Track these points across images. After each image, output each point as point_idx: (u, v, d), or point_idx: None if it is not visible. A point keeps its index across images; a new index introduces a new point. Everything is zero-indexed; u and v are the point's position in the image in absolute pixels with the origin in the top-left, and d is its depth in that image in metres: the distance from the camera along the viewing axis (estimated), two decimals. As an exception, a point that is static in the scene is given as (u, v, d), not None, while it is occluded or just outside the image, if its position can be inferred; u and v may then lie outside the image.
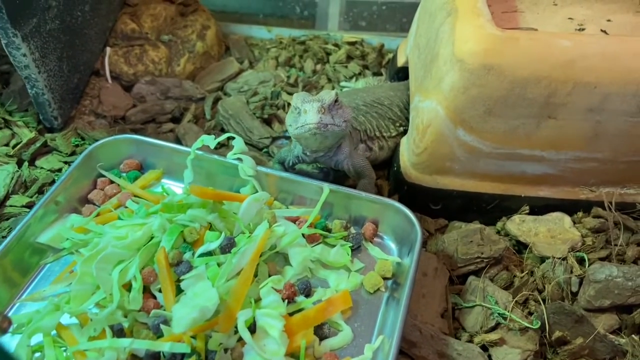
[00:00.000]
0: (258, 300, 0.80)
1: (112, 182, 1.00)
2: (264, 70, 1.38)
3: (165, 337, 0.74)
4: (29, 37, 0.98)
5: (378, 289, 0.85)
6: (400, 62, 1.26)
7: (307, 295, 0.82)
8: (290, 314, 0.78)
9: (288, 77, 1.35)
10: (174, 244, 0.82)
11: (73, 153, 1.08)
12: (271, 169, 0.97)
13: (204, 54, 1.36)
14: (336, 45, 1.45)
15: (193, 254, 0.83)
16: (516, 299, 0.85)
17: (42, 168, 1.05)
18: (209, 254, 0.83)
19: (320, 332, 0.78)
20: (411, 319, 0.81)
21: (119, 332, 0.76)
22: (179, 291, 0.80)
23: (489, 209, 0.99)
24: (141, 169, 1.04)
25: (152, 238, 0.84)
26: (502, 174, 0.94)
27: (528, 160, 0.91)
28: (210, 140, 0.94)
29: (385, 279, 0.86)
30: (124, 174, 1.02)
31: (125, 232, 0.83)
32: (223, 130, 1.19)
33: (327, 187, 0.91)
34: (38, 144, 1.07)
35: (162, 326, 0.74)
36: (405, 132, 1.10)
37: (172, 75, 1.30)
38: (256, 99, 1.25)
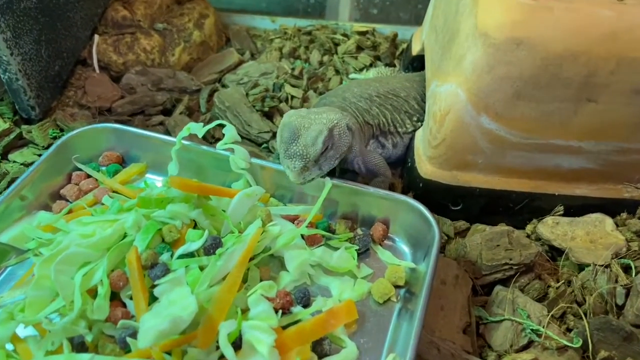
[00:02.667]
0: (246, 310, 0.68)
1: (89, 176, 0.89)
2: (267, 62, 1.27)
3: (132, 353, 0.62)
4: (-1, 13, 0.88)
5: (389, 299, 0.75)
6: (415, 50, 1.15)
7: (305, 306, 0.73)
8: (284, 327, 0.68)
9: (292, 69, 1.24)
10: (149, 244, 0.71)
11: (50, 146, 0.97)
12: (267, 162, 0.85)
13: (201, 44, 1.26)
14: (345, 35, 1.35)
15: (172, 256, 0.71)
16: (552, 312, 0.75)
17: (14, 162, 0.95)
18: (190, 255, 0.72)
19: (320, 348, 0.68)
20: (427, 334, 0.72)
21: (79, 346, 0.65)
22: (153, 299, 0.68)
23: (517, 210, 0.90)
24: (123, 162, 0.94)
25: (125, 237, 0.72)
26: (532, 168, 0.85)
27: (563, 153, 0.82)
28: (198, 128, 0.83)
29: (397, 287, 0.77)
30: (103, 168, 0.91)
31: (93, 229, 0.72)
32: (219, 125, 1.08)
33: (329, 181, 0.79)
34: (12, 136, 0.97)
35: (129, 340, 0.62)
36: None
37: (165, 66, 1.20)
38: (256, 91, 1.14)
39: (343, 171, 0.92)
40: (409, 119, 0.99)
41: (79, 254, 0.69)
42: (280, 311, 0.70)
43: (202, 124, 0.84)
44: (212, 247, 0.72)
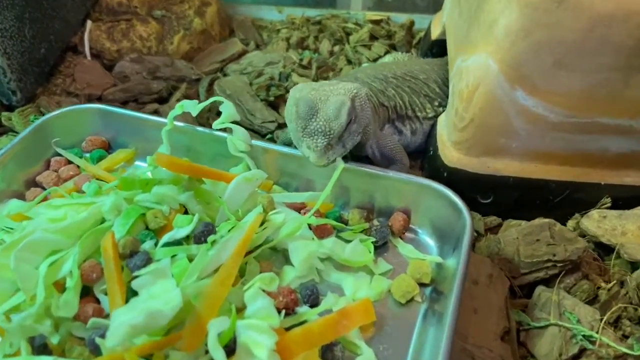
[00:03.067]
0: (242, 309, 0.57)
1: (69, 162, 0.79)
2: (273, 52, 1.17)
3: (101, 357, 0.51)
4: (-28, -22, 0.80)
5: (412, 299, 0.66)
6: (434, 34, 1.06)
7: (313, 305, 0.63)
8: (288, 329, 0.59)
9: (301, 59, 1.15)
10: (129, 230, 0.61)
11: (30, 131, 0.88)
12: (271, 144, 0.75)
13: (202, 33, 1.18)
14: (357, 24, 1.25)
15: (156, 245, 0.60)
16: (606, 317, 0.66)
17: (-10, 150, 0.85)
18: (178, 244, 0.61)
19: (330, 354, 0.58)
20: (460, 341, 0.62)
21: (41, 348, 0.54)
22: (133, 294, 0.57)
23: (557, 203, 0.81)
24: (109, 148, 0.85)
25: (103, 222, 0.62)
26: (575, 153, 0.76)
27: (612, 133, 0.73)
28: (192, 106, 0.73)
29: (421, 285, 0.67)
30: (87, 154, 0.81)
31: (65, 212, 0.62)
32: (219, 114, 0.98)
33: (341, 162, 0.68)
34: (-11, 123, 0.88)
35: (98, 340, 0.51)
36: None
37: (163, 54, 1.11)
38: (261, 80, 1.05)
39: (355, 158, 0.81)
40: (430, 103, 0.89)
41: (45, 240, 0.59)
42: (284, 311, 0.61)
43: (196, 101, 0.74)
44: (204, 234, 0.62)
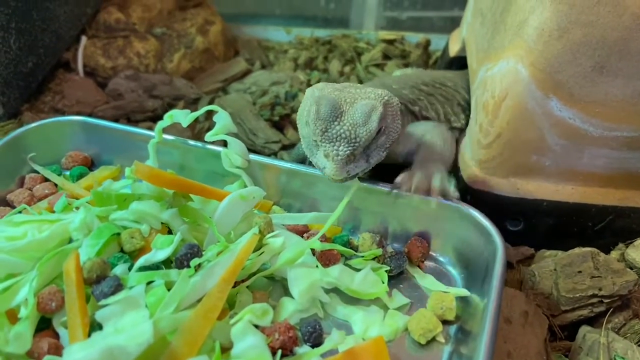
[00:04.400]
0: (229, 348, 0.47)
1: (46, 180, 0.70)
2: (279, 71, 1.10)
3: (50, 404, 0.41)
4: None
5: (433, 339, 0.56)
6: (453, 51, 0.99)
7: (316, 344, 0.54)
8: None
9: (309, 80, 1.07)
10: (100, 252, 0.51)
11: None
12: (271, 159, 0.66)
13: (205, 52, 1.11)
14: (369, 44, 1.18)
15: (130, 269, 0.51)
16: None
17: (-36, 166, 0.77)
18: (157, 268, 0.51)
19: None
20: None
21: None
22: (99, 328, 0.47)
23: (598, 231, 0.72)
24: (91, 165, 0.76)
25: (70, 242, 0.53)
26: (618, 173, 0.68)
27: None
28: (183, 116, 0.65)
29: (444, 323, 0.58)
30: (66, 172, 0.73)
31: (25, 230, 0.52)
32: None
33: (356, 181, 0.59)
34: (-33, 138, 0.80)
35: (48, 383, 0.41)
36: None
37: (161, 73, 1.04)
38: (265, 99, 0.97)
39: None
40: (463, 112, 0.80)
41: (1, 262, 0.49)
42: (280, 351, 0.51)
43: (188, 110, 0.66)
44: (187, 257, 0.52)
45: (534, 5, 0.62)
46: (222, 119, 0.66)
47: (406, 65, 1.11)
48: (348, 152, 0.55)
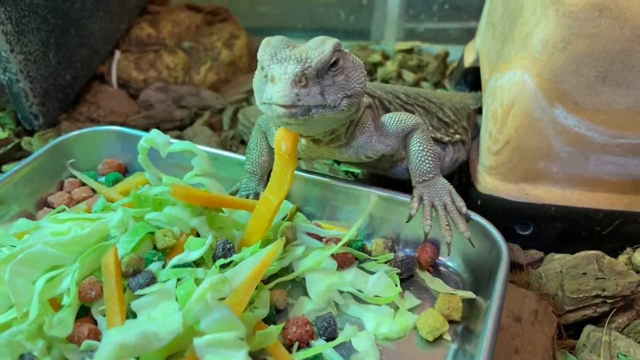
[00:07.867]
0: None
1: (84, 184, 0.76)
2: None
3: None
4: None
5: (440, 337, 0.59)
6: (467, 62, 1.02)
7: (330, 338, 0.57)
8: None
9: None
10: (135, 248, 0.56)
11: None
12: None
13: (230, 65, 1.16)
14: (385, 56, 1.21)
15: (164, 266, 0.56)
16: None
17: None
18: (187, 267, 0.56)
19: None
20: None
21: None
22: (134, 317, 0.52)
23: (605, 235, 0.73)
24: (125, 172, 0.81)
25: (107, 238, 0.58)
26: (625, 179, 0.70)
27: None
28: (163, 145, 0.67)
29: (451, 322, 0.60)
30: (102, 179, 0.78)
31: (69, 227, 0.58)
32: (243, 142, 0.95)
33: (375, 196, 0.63)
34: (9, 146, 0.87)
35: (88, 363, 0.46)
36: (462, 142, 0.81)
37: (189, 84, 1.09)
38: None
39: (383, 182, 0.75)
40: (444, 128, 0.78)
41: (45, 254, 0.55)
42: (297, 343, 0.55)
43: (168, 137, 0.68)
44: (223, 253, 0.56)
45: (539, 19, 0.65)
46: (200, 163, 0.67)
47: (423, 79, 1.13)
48: (297, 70, 0.49)
